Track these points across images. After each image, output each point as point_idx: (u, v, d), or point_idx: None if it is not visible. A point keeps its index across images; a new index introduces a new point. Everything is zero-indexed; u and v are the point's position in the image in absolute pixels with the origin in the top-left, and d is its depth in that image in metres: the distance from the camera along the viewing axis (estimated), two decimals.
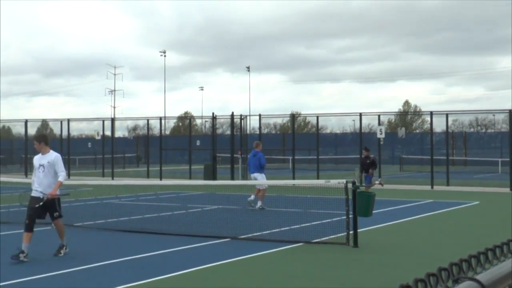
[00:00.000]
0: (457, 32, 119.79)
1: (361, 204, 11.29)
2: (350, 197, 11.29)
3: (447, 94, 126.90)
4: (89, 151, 46.40)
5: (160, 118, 35.42)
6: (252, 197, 17.80)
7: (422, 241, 12.12)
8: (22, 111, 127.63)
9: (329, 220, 14.24)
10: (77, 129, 60.31)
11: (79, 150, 47.35)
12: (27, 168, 34.78)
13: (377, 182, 16.71)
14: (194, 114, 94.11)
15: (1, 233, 12.61)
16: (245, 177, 29.58)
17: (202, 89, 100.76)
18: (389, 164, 42.35)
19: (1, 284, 8.21)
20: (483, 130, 72.35)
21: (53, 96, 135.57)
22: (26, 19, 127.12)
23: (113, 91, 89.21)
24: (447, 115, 28.18)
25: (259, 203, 17.55)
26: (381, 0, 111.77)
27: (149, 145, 38.31)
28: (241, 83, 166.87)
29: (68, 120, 36.13)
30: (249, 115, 40.02)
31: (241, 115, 31.76)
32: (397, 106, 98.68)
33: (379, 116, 30.24)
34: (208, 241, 11.81)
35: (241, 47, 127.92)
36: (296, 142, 33.05)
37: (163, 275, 8.74)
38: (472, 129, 71.80)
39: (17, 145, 49.47)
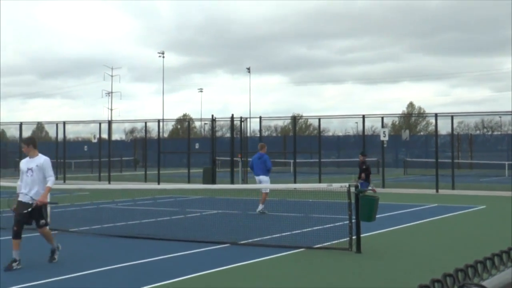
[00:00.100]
0: (461, 32, 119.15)
1: (364, 208, 11.13)
2: (353, 201, 11.10)
3: (452, 96, 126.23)
4: (85, 154, 46.10)
5: (158, 121, 35.12)
6: (260, 207, 17.29)
7: (426, 246, 11.90)
8: (17, 113, 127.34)
9: (331, 225, 14.02)
10: (73, 132, 59.99)
11: (75, 154, 47.08)
12: None
13: (369, 188, 16.28)
14: (193, 116, 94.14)
15: (1, 238, 12.34)
16: (245, 181, 29.30)
17: (201, 91, 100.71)
18: (393, 167, 42.16)
19: None
20: (489, 132, 71.63)
21: (49, 98, 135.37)
22: (23, 19, 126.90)
23: (110, 93, 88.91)
24: (452, 117, 27.88)
25: (260, 207, 17.20)
26: (383, 0, 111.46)
27: (146, 148, 37.99)
28: (241, 85, 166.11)
29: (64, 123, 35.91)
30: (250, 117, 39.81)
31: (241, 118, 31.41)
32: (400, 108, 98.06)
33: (382, 118, 29.86)
34: (207, 246, 11.62)
35: (241, 48, 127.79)
36: (298, 145, 32.71)
37: (161, 282, 8.53)
38: (478, 131, 71.58)
39: (11, 148, 49.14)
